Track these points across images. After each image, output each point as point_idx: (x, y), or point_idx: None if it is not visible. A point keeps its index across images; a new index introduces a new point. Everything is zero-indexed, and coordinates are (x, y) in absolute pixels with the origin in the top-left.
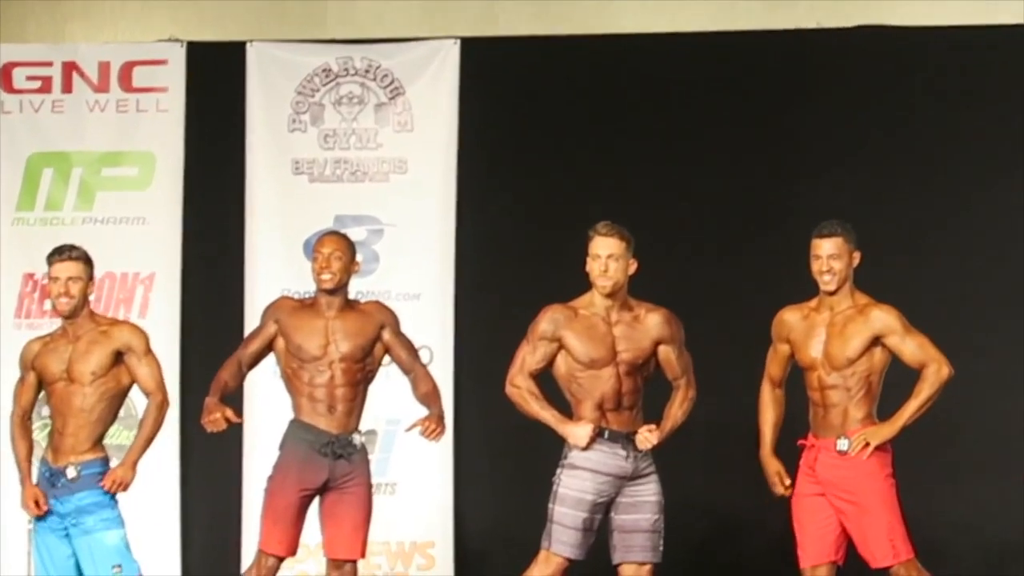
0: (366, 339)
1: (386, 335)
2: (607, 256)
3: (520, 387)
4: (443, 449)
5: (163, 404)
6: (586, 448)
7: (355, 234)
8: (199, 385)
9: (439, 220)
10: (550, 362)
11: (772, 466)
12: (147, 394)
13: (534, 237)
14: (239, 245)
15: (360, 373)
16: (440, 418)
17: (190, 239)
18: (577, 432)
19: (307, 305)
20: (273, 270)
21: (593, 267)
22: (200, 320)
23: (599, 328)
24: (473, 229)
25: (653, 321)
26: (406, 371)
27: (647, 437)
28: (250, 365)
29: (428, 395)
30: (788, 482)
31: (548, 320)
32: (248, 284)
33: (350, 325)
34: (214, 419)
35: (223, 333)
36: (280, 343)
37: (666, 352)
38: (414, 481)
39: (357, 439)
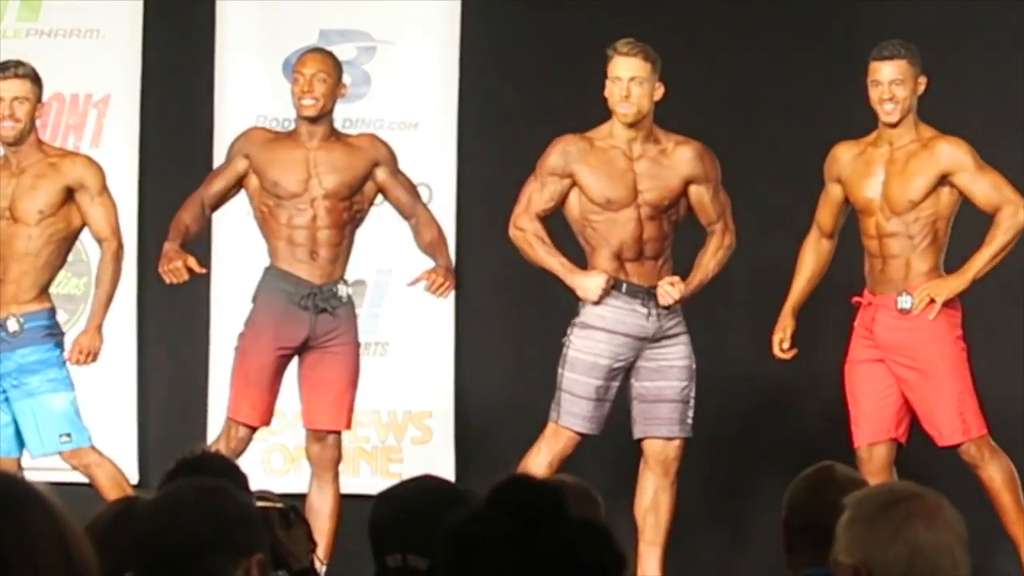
0: (355, 175)
1: (381, 174)
2: (629, 79)
3: (525, 229)
4: (442, 304)
5: (119, 252)
6: (598, 303)
7: (343, 52)
8: (159, 228)
9: (440, 36)
10: (561, 201)
11: (781, 326)
12: (100, 240)
13: (550, 59)
14: (208, 63)
15: (347, 212)
16: (448, 270)
17: (151, 55)
18: (588, 283)
19: (284, 136)
20: (247, 93)
21: (613, 91)
22: (161, 151)
23: (618, 163)
24: (479, 45)
25: (683, 156)
26: (406, 216)
27: (668, 291)
28: (214, 206)
29: (434, 243)
30: (788, 347)
31: (559, 152)
32: (218, 109)
33: (337, 158)
34: (174, 268)
35: (187, 166)
36: (253, 180)
37: (698, 192)
38: (408, 341)
39: (343, 290)
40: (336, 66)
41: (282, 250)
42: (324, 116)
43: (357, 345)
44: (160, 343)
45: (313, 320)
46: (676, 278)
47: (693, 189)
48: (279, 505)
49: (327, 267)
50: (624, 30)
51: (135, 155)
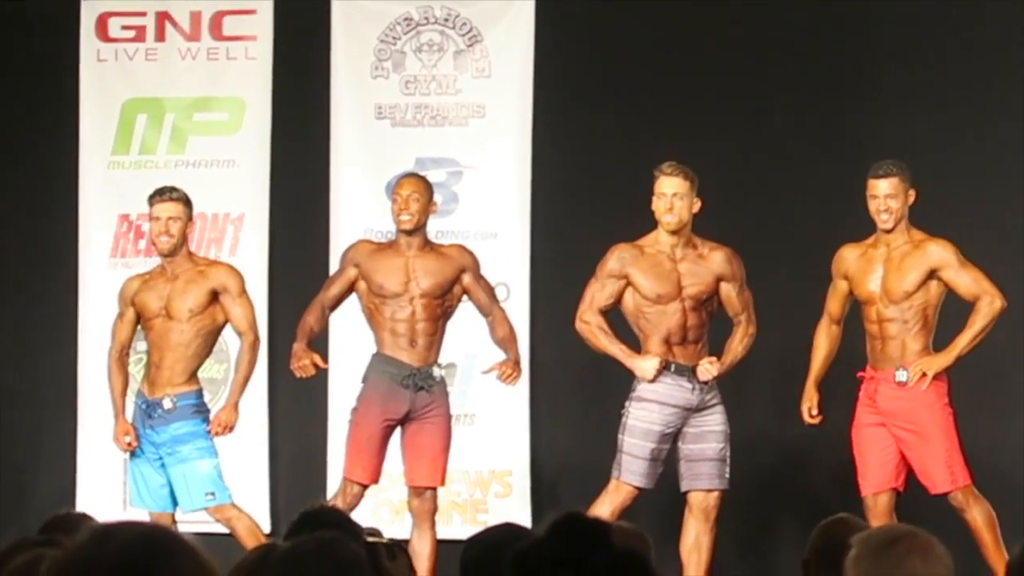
0: (446, 278)
1: (466, 279)
2: (672, 195)
3: (589, 323)
4: (520, 382)
5: (255, 344)
6: (653, 381)
7: (435, 176)
8: (286, 322)
9: (515, 162)
10: (618, 299)
11: (807, 398)
12: (240, 334)
13: (605, 177)
14: (324, 187)
15: (440, 308)
16: (516, 363)
17: (278, 181)
18: (644, 365)
19: (386, 246)
20: (357, 211)
21: (658, 205)
22: (287, 258)
23: (665, 265)
24: (547, 171)
25: (716, 258)
26: (485, 314)
27: (707, 368)
28: (332, 308)
29: (505, 339)
30: (816, 413)
31: (616, 258)
32: (333, 224)
33: (431, 264)
34: (303, 365)
35: (309, 271)
36: (361, 284)
37: (727, 289)
38: (492, 412)
39: (437, 372)
40: (427, 187)
41: (387, 339)
42: (419, 229)
43: (449, 416)
44: (287, 417)
45: (413, 396)
46: (713, 358)
47: (723, 286)
48: (385, 541)
49: (424, 353)
50: (668, 154)
51: (265, 263)
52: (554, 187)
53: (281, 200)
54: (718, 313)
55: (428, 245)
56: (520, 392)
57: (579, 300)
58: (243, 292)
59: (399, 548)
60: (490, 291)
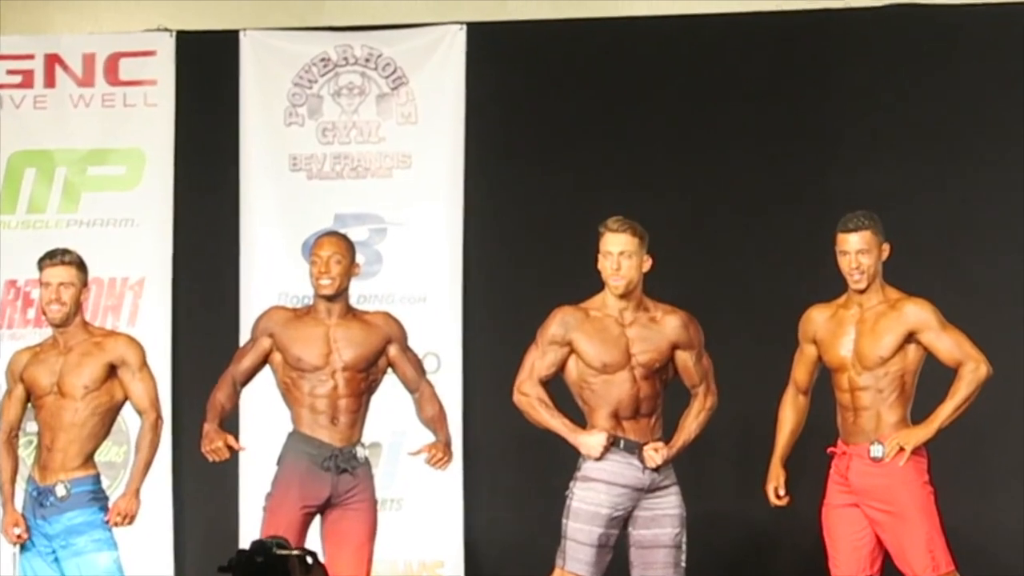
0: (371, 350)
1: (392, 350)
2: (619, 253)
3: (528, 395)
4: (452, 464)
5: (157, 423)
6: (599, 458)
7: (357, 234)
8: (192, 398)
9: (446, 218)
10: (561, 367)
11: (773, 476)
12: (141, 412)
13: (546, 235)
14: (234, 247)
15: (364, 383)
16: (448, 445)
17: (182, 241)
18: (589, 442)
19: (303, 314)
20: (271, 274)
21: (605, 265)
22: (193, 328)
23: (612, 330)
24: (482, 227)
25: (671, 324)
26: (411, 389)
27: (651, 456)
28: (244, 382)
29: (434, 418)
30: (783, 493)
31: (558, 323)
32: (244, 289)
33: (354, 334)
34: (216, 448)
35: (218, 341)
36: (276, 355)
37: (684, 358)
38: (421, 496)
39: (361, 452)
40: (349, 247)
41: (305, 416)
42: (340, 294)
43: (375, 501)
44: (194, 504)
45: (335, 480)
46: (660, 444)
47: (679, 354)
48: (296, 552)
49: (347, 431)
50: (615, 208)
51: (168, 331)
52: (489, 246)
53: (186, 263)
54: (674, 381)
55: (350, 312)
56: (453, 473)
57: (517, 370)
58: (144, 366)
59: (313, 557)
60: (418, 364)
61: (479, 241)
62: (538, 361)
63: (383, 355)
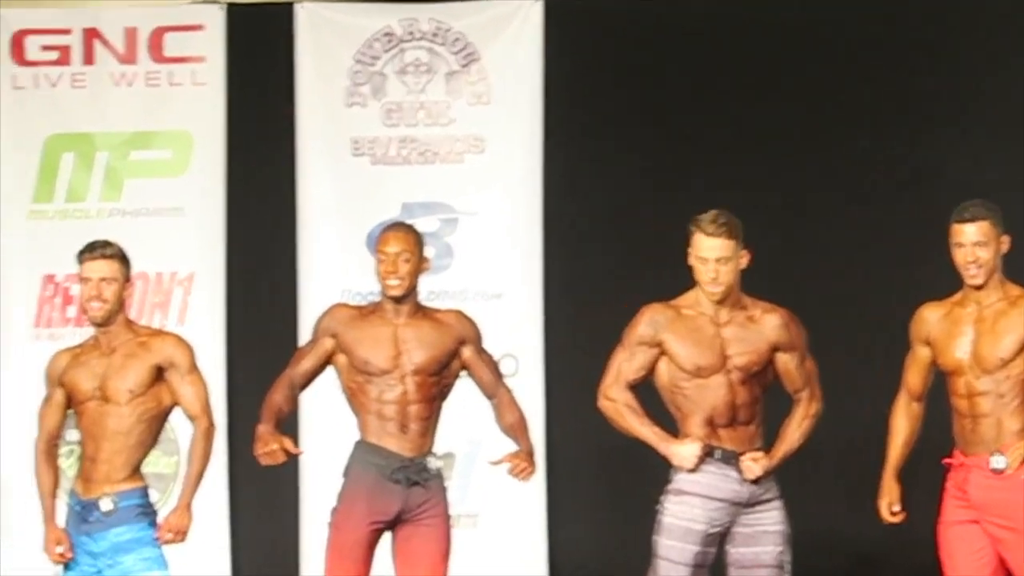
0: (442, 351)
1: (467, 352)
2: (716, 260)
3: (615, 400)
4: (535, 473)
5: (210, 430)
6: (694, 470)
7: (425, 224)
8: (248, 403)
9: (523, 207)
10: (650, 370)
11: (886, 491)
12: (192, 419)
13: (633, 224)
14: (291, 239)
15: (436, 387)
16: (530, 455)
17: (234, 233)
18: (682, 452)
19: (369, 312)
20: (332, 268)
21: (700, 271)
22: (248, 327)
23: (706, 330)
24: (562, 216)
25: (770, 323)
26: (489, 395)
27: (751, 466)
28: (304, 385)
29: (514, 426)
30: (897, 509)
31: (647, 322)
32: (302, 285)
33: (425, 334)
34: (270, 451)
35: (275, 341)
36: (341, 357)
37: (784, 361)
38: (499, 511)
39: (433, 463)
40: (418, 242)
41: (372, 424)
42: (409, 294)
43: (448, 517)
44: (252, 518)
45: (405, 493)
46: (760, 453)
47: (779, 357)
48: None
49: (418, 440)
50: (708, 197)
51: (221, 331)
52: (570, 237)
53: (239, 256)
54: (775, 384)
55: (420, 310)
56: (534, 486)
57: (603, 373)
58: (194, 368)
59: None
60: (494, 367)
61: (559, 231)
62: (625, 364)
63: (456, 357)
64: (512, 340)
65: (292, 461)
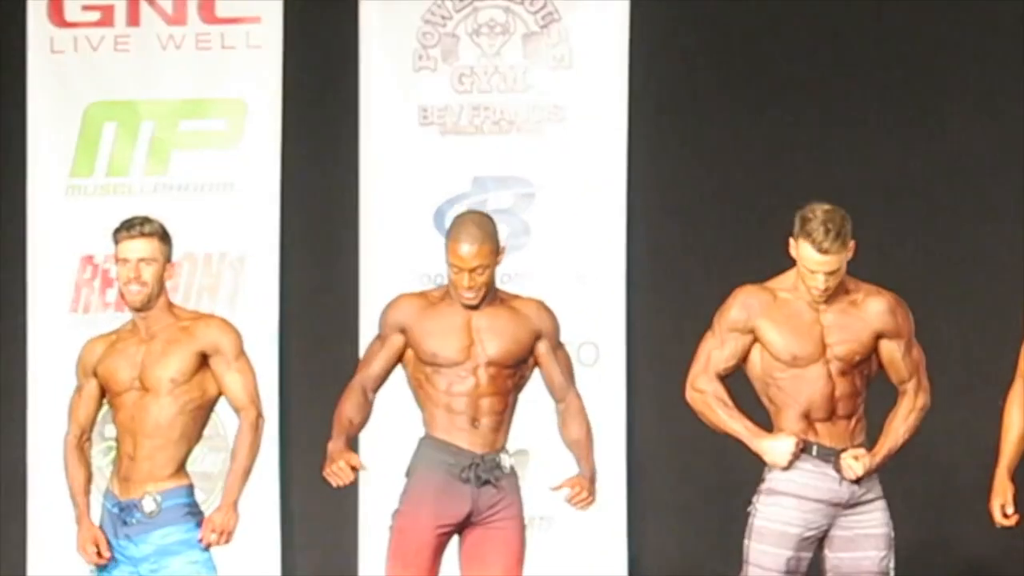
0: (519, 344)
1: (542, 348)
2: (827, 273)
3: (704, 391)
4: (613, 471)
5: (258, 422)
6: (788, 468)
7: (499, 200)
8: (303, 394)
9: (606, 181)
10: (743, 359)
11: (999, 491)
12: (238, 410)
13: (726, 203)
14: (353, 216)
15: (511, 380)
16: (592, 480)
17: (291, 210)
18: (776, 448)
19: (438, 299)
20: (397, 247)
21: (805, 276)
22: (305, 312)
23: (804, 315)
24: (648, 193)
25: (875, 308)
26: (557, 399)
27: (851, 465)
28: (376, 389)
29: (580, 442)
30: (1011, 511)
31: (739, 306)
32: (364, 266)
33: (501, 324)
34: (337, 469)
35: (334, 328)
36: (408, 353)
37: (890, 349)
38: (576, 513)
39: (506, 460)
40: (495, 246)
41: (440, 418)
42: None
43: (522, 520)
44: (306, 520)
45: (476, 493)
46: (861, 450)
47: (884, 345)
48: None
49: (489, 436)
50: (804, 171)
51: (275, 317)
52: (656, 215)
53: (296, 235)
54: (880, 375)
55: (496, 297)
56: (614, 484)
57: (690, 362)
58: (241, 354)
59: None
60: (568, 369)
61: (645, 209)
62: (715, 352)
63: (532, 351)
64: (593, 326)
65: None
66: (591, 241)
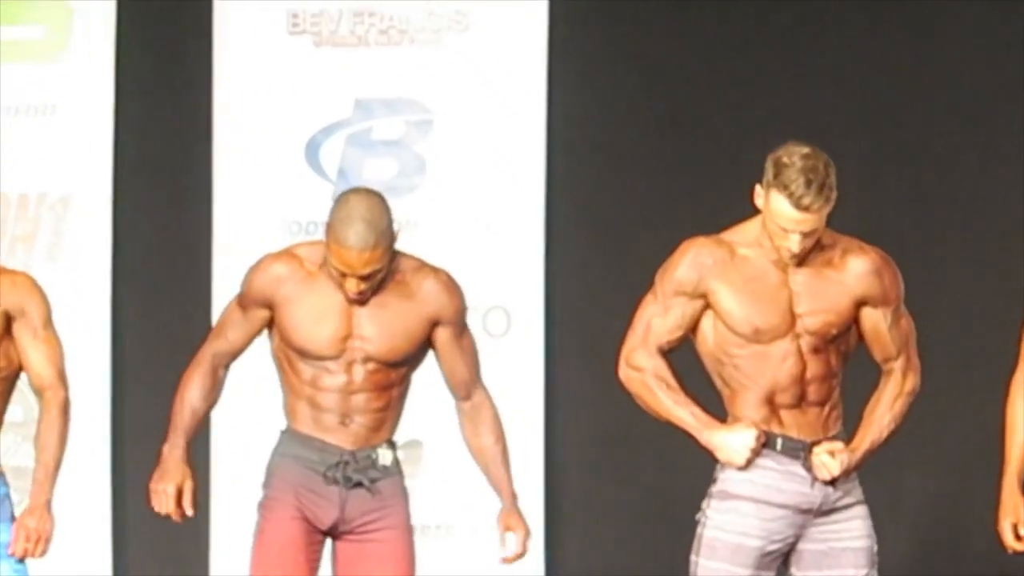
0: (409, 340)
1: (442, 335)
2: (803, 233)
3: (642, 369)
4: (528, 467)
5: (66, 404)
6: (745, 467)
7: (388, 129)
8: (140, 369)
9: (519, 106)
10: (691, 329)
11: (1008, 507)
12: (43, 390)
13: (673, 131)
14: (204, 148)
15: (396, 375)
16: (520, 514)
17: (127, 140)
18: (732, 442)
19: (316, 267)
20: (259, 186)
21: (776, 234)
22: (143, 268)
23: (769, 278)
24: (576, 121)
25: (856, 269)
26: (459, 396)
27: (825, 462)
28: (230, 365)
29: (495, 458)
30: None
31: (689, 264)
32: (219, 210)
33: (389, 313)
34: (163, 495)
35: (180, 285)
36: (275, 320)
37: (874, 319)
38: (480, 518)
39: (385, 455)
40: (390, 243)
41: (303, 412)
42: None
43: (410, 529)
44: (144, 522)
45: (343, 497)
46: (838, 444)
47: (867, 313)
48: None
49: (364, 433)
50: (761, 99)
51: (106, 270)
52: (585, 147)
53: (133, 170)
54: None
55: (388, 274)
56: (529, 484)
57: (626, 332)
58: (50, 323)
59: None
60: (474, 359)
61: (570, 142)
62: (657, 320)
63: (427, 342)
64: (503, 288)
65: (201, 444)
66: (502, 181)
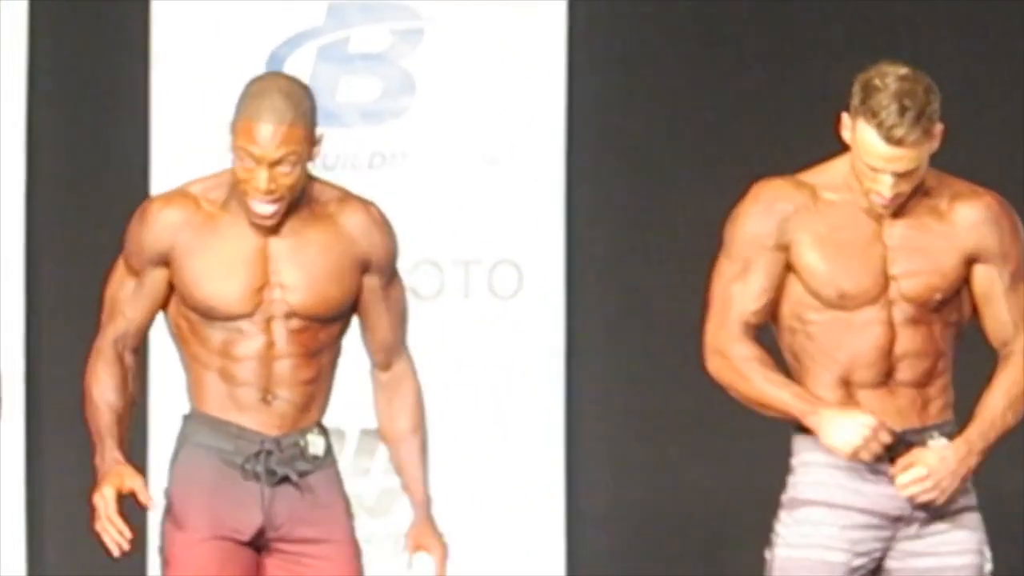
0: (340, 286)
1: (368, 282)
2: (898, 174)
3: (733, 357)
4: (546, 462)
5: None
6: (853, 456)
7: (367, 40)
8: (59, 342)
9: (531, 9)
10: (780, 290)
11: None
12: None
13: (712, 64)
14: (140, 66)
15: (324, 334)
16: (436, 528)
17: (42, 61)
18: (844, 422)
19: (218, 207)
20: (205, 112)
21: (866, 178)
22: (64, 220)
23: (861, 228)
24: (601, 27)
25: (966, 217)
26: (378, 363)
27: (903, 484)
28: (139, 347)
29: (408, 441)
30: None
31: (765, 210)
32: (157, 144)
33: (313, 251)
34: (111, 526)
35: (109, 246)
36: (172, 278)
37: (988, 279)
38: (473, 519)
39: (316, 443)
40: (309, 130)
41: (212, 388)
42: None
43: (355, 544)
44: (63, 516)
45: (268, 497)
46: (931, 458)
47: (980, 272)
48: None
49: (291, 413)
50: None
51: (20, 228)
52: (613, 56)
53: (51, 100)
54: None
55: (305, 199)
56: (550, 480)
57: (705, 309)
58: None
59: None
60: (400, 317)
61: (595, 52)
62: (738, 286)
63: (357, 290)
64: (511, 237)
65: (138, 438)
66: (511, 105)
